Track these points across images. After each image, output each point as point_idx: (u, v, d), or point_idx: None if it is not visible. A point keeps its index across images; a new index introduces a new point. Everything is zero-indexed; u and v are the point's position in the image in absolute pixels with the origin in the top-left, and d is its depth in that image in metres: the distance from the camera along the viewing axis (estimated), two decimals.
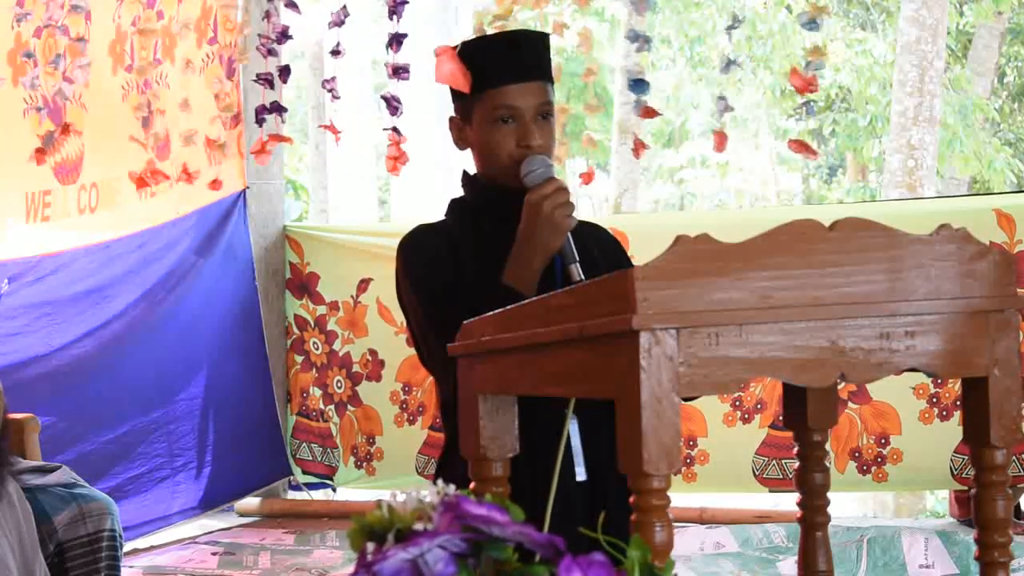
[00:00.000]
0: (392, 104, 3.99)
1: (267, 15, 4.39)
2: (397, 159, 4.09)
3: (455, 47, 2.35)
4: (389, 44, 4.01)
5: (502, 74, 2.30)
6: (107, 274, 4.86)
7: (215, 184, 4.90)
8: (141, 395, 5.03)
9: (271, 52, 4.32)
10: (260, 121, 4.41)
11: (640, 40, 3.72)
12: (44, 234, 4.55)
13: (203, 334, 5.32)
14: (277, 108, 4.36)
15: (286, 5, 4.23)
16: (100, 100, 4.70)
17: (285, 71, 4.36)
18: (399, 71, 3.92)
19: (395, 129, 4.06)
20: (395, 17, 3.95)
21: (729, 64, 3.61)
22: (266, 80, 4.31)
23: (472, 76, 2.31)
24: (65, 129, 4.29)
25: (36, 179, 4.47)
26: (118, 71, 4.77)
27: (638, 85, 3.65)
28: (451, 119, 2.41)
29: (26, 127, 4.36)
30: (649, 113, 3.70)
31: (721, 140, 3.68)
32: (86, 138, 4.64)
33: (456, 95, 2.37)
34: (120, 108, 4.75)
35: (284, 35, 4.32)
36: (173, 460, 5.12)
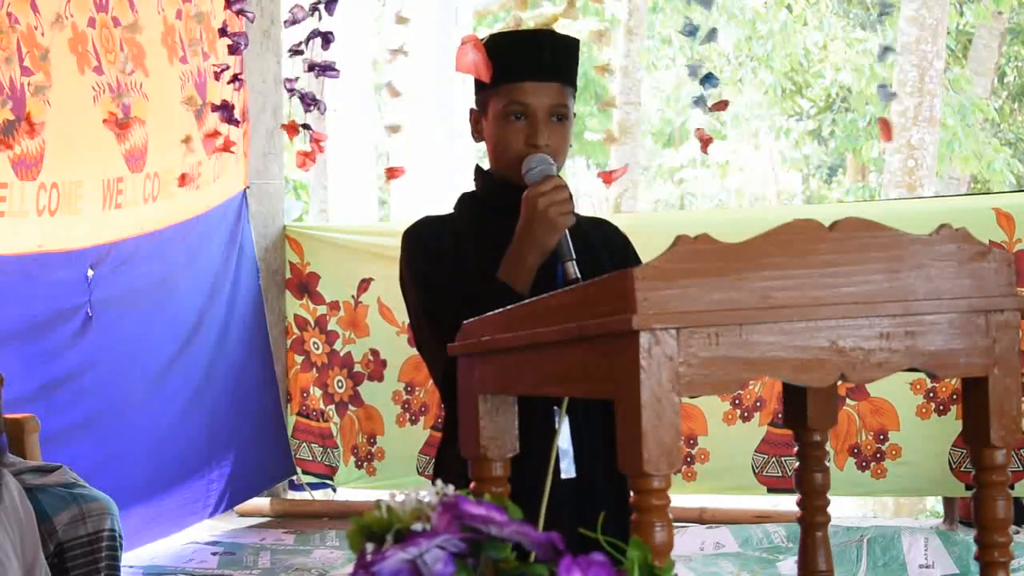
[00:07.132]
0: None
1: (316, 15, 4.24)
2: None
3: (480, 37, 2.36)
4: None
5: (521, 70, 2.30)
6: (168, 265, 4.91)
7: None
8: (193, 394, 5.07)
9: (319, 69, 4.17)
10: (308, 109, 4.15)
11: (709, 33, 3.69)
12: (114, 221, 4.57)
13: (231, 334, 5.34)
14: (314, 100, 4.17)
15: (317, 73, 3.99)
16: (160, 91, 4.73)
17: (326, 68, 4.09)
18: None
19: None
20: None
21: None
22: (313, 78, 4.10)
23: (492, 69, 2.31)
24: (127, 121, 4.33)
25: (110, 166, 4.48)
26: (174, 62, 4.78)
27: (708, 79, 3.63)
28: (471, 110, 2.42)
29: (96, 113, 4.38)
30: (721, 106, 3.69)
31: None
32: (149, 128, 4.66)
33: (477, 87, 2.38)
34: (177, 101, 4.77)
35: (327, 40, 4.15)
36: (208, 459, 5.15)
